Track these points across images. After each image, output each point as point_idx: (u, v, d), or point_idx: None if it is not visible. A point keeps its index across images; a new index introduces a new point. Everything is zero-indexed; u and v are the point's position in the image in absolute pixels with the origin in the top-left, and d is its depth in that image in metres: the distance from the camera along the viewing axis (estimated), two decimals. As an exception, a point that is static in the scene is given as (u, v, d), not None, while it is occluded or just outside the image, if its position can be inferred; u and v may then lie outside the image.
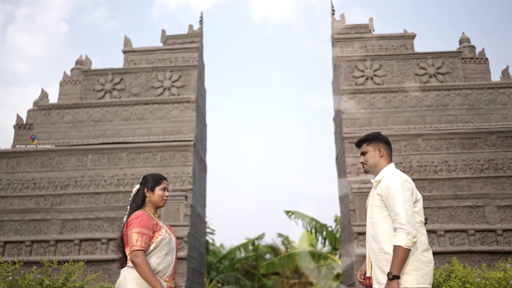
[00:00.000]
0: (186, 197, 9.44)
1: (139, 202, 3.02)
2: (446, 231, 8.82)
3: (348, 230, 9.40)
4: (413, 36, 10.69)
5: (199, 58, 11.05)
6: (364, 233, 8.37)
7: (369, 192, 3.41)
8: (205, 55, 12.93)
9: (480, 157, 9.30)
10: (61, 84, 11.13)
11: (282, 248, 19.76)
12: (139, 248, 2.74)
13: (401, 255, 2.58)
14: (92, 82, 10.79)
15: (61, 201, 9.68)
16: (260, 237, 18.38)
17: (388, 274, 2.60)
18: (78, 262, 4.45)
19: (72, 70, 11.51)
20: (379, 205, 2.79)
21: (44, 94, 10.76)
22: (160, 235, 2.88)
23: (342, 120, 9.88)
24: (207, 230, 17.12)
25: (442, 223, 8.89)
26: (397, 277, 2.58)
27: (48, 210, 9.60)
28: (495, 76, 10.36)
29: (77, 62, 11.63)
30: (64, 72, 11.29)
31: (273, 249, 19.36)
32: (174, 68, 10.71)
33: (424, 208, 8.96)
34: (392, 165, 2.94)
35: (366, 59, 10.39)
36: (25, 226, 9.55)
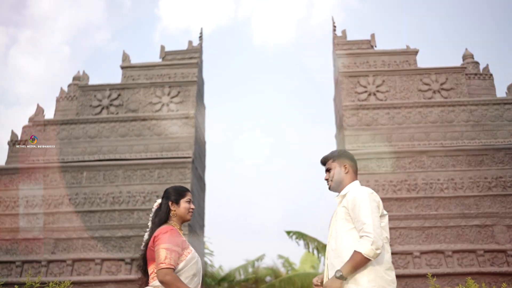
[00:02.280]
0: (183, 215, 9.11)
1: (162, 217, 2.81)
2: (454, 252, 8.47)
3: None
4: (415, 52, 10.52)
5: (199, 74, 10.86)
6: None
7: None
8: (206, 76, 12.73)
9: (487, 174, 9.01)
10: (57, 100, 10.89)
11: (282, 270, 19.26)
12: (168, 266, 2.51)
13: (357, 261, 2.47)
14: (89, 98, 10.58)
15: (54, 219, 9.35)
16: (260, 258, 17.90)
17: (336, 271, 2.50)
18: (64, 282, 4.14)
19: (69, 86, 11.27)
20: (345, 218, 2.69)
21: (39, 110, 10.51)
22: (189, 253, 2.69)
23: (345, 136, 9.63)
24: (206, 251, 16.67)
25: (450, 243, 8.54)
26: (343, 278, 2.49)
27: (41, 229, 9.26)
28: (500, 92, 10.17)
29: (74, 78, 11.41)
30: (61, 88, 11.07)
31: (274, 271, 18.86)
32: (173, 84, 10.50)
33: (430, 227, 8.63)
34: (357, 182, 2.86)
35: (368, 75, 10.19)
36: (16, 246, 9.19)
